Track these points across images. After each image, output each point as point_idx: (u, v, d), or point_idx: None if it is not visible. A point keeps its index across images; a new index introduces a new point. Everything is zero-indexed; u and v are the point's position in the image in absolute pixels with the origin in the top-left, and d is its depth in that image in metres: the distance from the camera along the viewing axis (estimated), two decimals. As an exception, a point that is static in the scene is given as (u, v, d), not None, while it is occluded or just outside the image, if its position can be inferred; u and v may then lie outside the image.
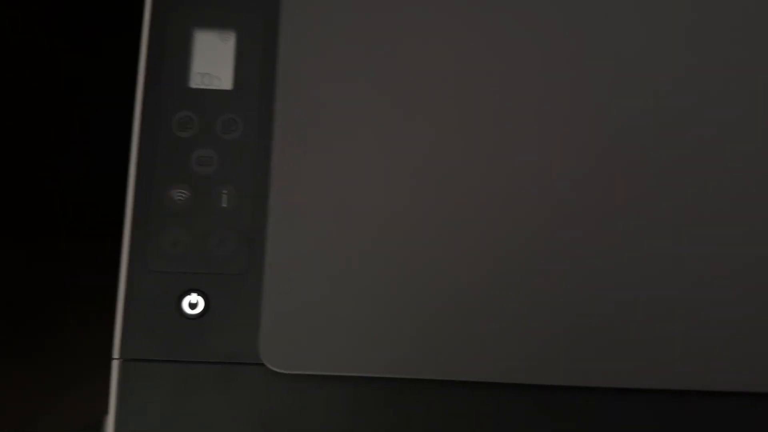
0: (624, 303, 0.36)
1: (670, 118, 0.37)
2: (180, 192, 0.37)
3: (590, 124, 0.37)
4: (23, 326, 0.41)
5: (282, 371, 0.35)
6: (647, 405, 0.36)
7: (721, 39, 0.38)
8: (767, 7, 0.38)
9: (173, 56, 0.38)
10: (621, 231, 0.36)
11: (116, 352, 0.36)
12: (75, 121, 0.41)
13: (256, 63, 0.37)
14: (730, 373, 0.36)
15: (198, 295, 0.36)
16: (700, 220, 0.36)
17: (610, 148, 0.37)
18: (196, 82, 0.38)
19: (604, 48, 0.37)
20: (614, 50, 0.37)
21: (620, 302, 0.36)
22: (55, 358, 0.41)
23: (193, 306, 0.36)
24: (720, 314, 0.36)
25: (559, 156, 0.36)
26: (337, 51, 0.37)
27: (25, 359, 0.40)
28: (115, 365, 0.36)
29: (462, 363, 0.35)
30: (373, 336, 0.35)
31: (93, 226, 0.40)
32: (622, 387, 0.36)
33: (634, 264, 0.36)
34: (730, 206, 0.37)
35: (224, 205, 0.37)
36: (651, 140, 0.37)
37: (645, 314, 0.36)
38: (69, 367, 0.39)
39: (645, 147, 0.37)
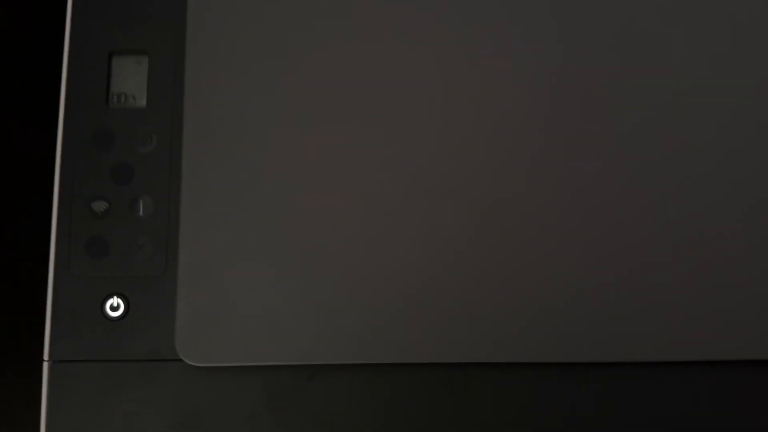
0: (603, 276, 0.38)
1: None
2: (100, 202, 0.39)
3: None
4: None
5: (199, 365, 0.38)
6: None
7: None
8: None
9: (93, 79, 0.40)
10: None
11: (46, 355, 0.39)
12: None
13: (168, 82, 0.40)
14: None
15: (119, 298, 0.39)
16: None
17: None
18: (113, 101, 0.40)
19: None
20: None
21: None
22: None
23: (114, 308, 0.39)
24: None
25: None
26: (238, 68, 0.40)
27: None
28: (45, 367, 0.39)
29: (374, 346, 0.38)
30: (282, 327, 0.38)
31: (20, 236, 0.43)
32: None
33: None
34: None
35: (141, 213, 0.39)
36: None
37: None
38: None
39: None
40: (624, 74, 0.40)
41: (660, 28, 0.40)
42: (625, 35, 0.40)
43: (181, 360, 0.38)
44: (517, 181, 0.39)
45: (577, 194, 0.39)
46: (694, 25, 0.40)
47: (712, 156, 0.39)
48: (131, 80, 0.41)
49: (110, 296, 0.39)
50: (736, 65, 0.40)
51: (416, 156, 0.39)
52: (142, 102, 0.40)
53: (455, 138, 0.39)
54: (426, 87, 0.39)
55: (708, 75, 0.40)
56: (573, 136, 0.39)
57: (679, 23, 0.40)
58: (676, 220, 0.39)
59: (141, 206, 0.39)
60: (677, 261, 0.38)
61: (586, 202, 0.39)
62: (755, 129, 0.39)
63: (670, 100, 0.39)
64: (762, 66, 0.40)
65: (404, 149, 0.39)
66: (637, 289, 0.38)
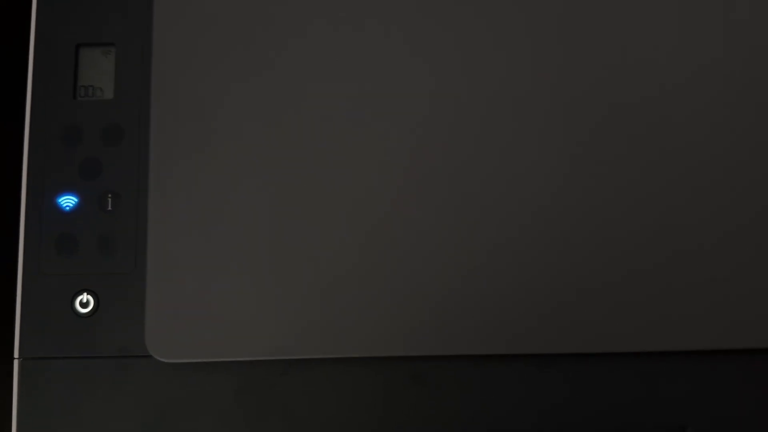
0: (593, 268, 0.38)
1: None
2: (68, 198, 0.39)
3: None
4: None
5: (168, 361, 0.38)
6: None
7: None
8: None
9: (59, 71, 0.40)
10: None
11: (16, 352, 0.39)
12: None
13: (136, 74, 0.40)
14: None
15: (89, 294, 0.39)
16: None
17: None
18: (80, 94, 0.40)
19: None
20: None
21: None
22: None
23: (84, 305, 0.39)
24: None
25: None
26: (207, 59, 0.39)
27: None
28: (15, 364, 0.39)
29: (346, 340, 0.38)
30: (251, 323, 0.37)
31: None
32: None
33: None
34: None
35: (110, 209, 0.39)
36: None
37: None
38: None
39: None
40: (624, 80, 0.39)
41: (659, 28, 0.40)
42: (625, 37, 0.39)
43: (150, 356, 0.38)
44: (504, 178, 0.38)
45: (570, 193, 0.38)
46: (693, 25, 0.40)
47: (713, 155, 0.39)
48: (99, 72, 0.40)
49: (80, 293, 0.39)
50: (736, 66, 0.40)
51: (386, 150, 0.38)
52: (110, 94, 0.40)
53: (435, 134, 0.39)
54: (410, 83, 0.39)
55: (709, 77, 0.39)
56: (574, 135, 0.39)
57: (679, 24, 0.40)
58: (670, 218, 0.38)
59: (110, 202, 0.39)
60: (670, 258, 0.38)
61: (580, 200, 0.38)
62: (758, 130, 0.39)
63: (670, 102, 0.39)
64: (763, 67, 0.40)
65: (370, 144, 0.38)
66: (626, 282, 0.38)
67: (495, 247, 0.38)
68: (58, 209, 0.39)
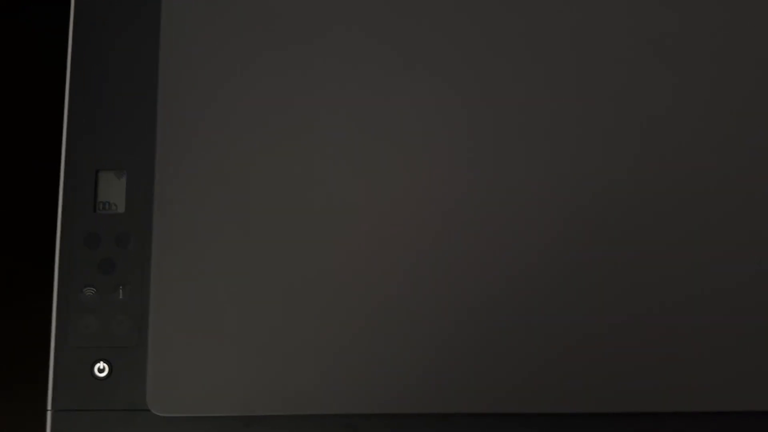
0: (611, 327, 0.43)
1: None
2: (89, 289, 0.51)
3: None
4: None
5: (163, 415, 0.49)
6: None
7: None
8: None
9: (83, 190, 0.52)
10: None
11: (49, 405, 0.51)
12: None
13: (142, 192, 0.52)
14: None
15: (105, 362, 0.50)
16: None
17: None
18: (99, 208, 0.52)
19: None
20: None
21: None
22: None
23: (101, 370, 0.50)
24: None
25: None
26: (204, 186, 0.50)
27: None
28: (48, 415, 0.51)
29: (307, 398, 0.48)
30: (224, 387, 0.49)
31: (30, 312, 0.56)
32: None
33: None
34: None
35: (122, 297, 0.51)
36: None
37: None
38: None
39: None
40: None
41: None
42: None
43: (149, 410, 0.50)
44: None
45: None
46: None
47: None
48: (113, 191, 0.52)
49: (98, 361, 0.50)
50: (738, 68, 0.45)
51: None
52: (122, 209, 0.52)
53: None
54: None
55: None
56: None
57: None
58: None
59: (121, 292, 0.51)
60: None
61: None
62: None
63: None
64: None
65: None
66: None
67: (479, 304, 0.45)
68: (82, 297, 0.51)
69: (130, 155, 0.51)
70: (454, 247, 0.47)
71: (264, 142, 0.50)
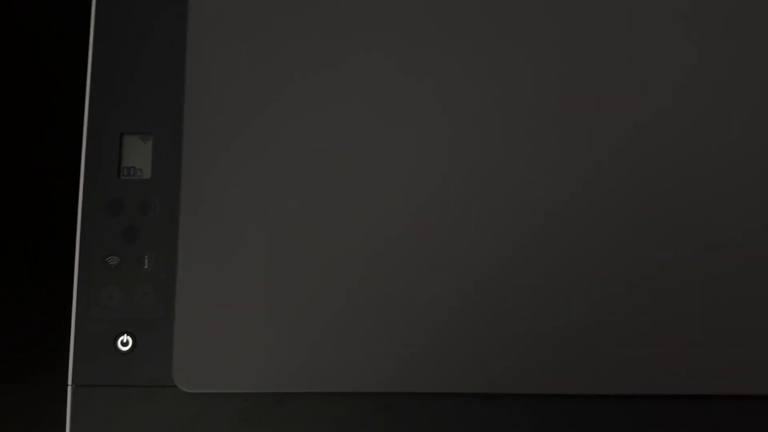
0: (613, 310, 0.44)
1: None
2: (112, 258, 0.49)
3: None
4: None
5: (190, 391, 0.47)
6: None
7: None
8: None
9: (107, 154, 0.50)
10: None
11: (70, 380, 0.48)
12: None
13: (169, 157, 0.49)
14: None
15: (128, 335, 0.48)
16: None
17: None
18: (123, 174, 0.50)
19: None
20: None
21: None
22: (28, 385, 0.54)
23: (125, 344, 0.48)
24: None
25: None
26: (231, 147, 0.48)
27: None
28: (69, 390, 0.48)
29: (340, 376, 0.46)
30: (254, 361, 0.47)
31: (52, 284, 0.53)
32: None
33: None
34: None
35: (146, 267, 0.49)
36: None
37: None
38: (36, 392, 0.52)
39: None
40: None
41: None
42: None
43: (176, 386, 0.47)
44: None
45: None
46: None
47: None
48: (139, 155, 0.50)
49: (121, 334, 0.48)
50: (739, 71, 0.45)
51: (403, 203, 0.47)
52: (148, 174, 0.49)
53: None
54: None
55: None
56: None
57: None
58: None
59: (146, 261, 0.49)
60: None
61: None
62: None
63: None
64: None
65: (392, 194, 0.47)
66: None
67: (489, 292, 0.45)
68: (105, 266, 0.49)
69: (157, 117, 0.49)
70: (486, 227, 0.46)
71: (297, 107, 0.48)
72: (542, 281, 0.46)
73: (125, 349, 0.47)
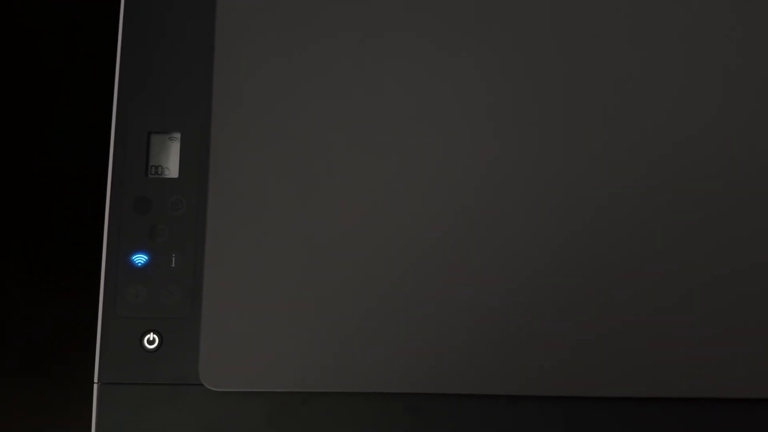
0: (619, 312, 0.45)
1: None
2: (140, 256, 0.49)
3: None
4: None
5: (216, 389, 0.47)
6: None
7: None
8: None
9: (134, 153, 0.50)
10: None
11: (96, 378, 0.48)
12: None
13: (196, 156, 0.50)
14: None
15: (154, 334, 0.48)
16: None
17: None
18: (151, 172, 0.50)
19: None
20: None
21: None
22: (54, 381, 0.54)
23: (151, 342, 0.48)
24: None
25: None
26: (258, 147, 0.48)
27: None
28: (95, 388, 0.48)
29: (366, 376, 0.46)
30: (281, 360, 0.47)
31: (78, 281, 0.53)
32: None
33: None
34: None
35: (173, 265, 0.49)
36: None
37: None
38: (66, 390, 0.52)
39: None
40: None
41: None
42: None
43: (202, 385, 0.47)
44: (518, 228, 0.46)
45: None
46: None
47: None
48: (166, 155, 0.50)
49: (147, 332, 0.48)
50: (740, 73, 0.46)
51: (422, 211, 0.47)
52: (175, 173, 0.50)
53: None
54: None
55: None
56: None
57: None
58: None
59: (173, 259, 0.49)
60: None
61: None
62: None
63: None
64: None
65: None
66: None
67: (508, 292, 0.45)
68: (132, 265, 0.49)
69: (184, 117, 0.49)
70: (516, 231, 0.47)
71: (326, 107, 0.48)
72: (570, 284, 0.46)
73: (151, 347, 0.48)
